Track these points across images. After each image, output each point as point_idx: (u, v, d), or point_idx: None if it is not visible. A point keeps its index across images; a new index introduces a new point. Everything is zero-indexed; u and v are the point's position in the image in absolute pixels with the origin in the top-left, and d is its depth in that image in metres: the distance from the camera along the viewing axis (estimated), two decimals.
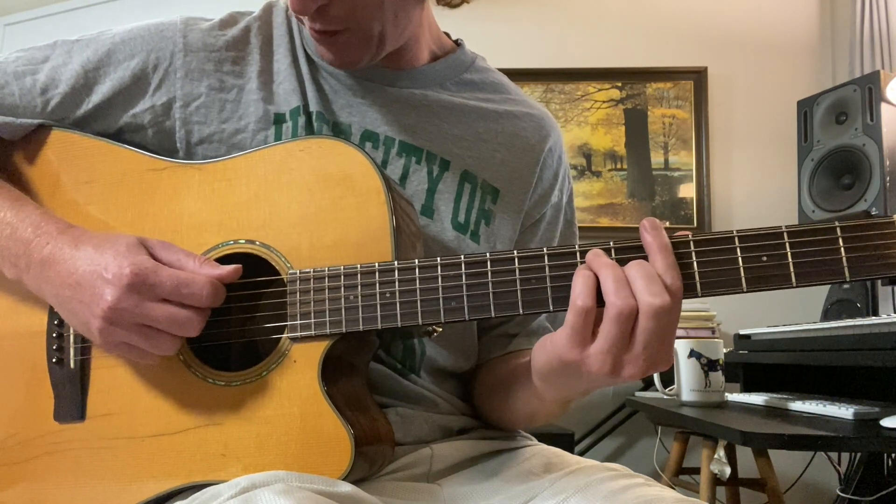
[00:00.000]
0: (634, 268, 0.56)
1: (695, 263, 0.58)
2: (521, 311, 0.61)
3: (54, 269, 0.66)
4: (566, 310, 0.59)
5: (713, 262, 0.57)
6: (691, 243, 0.58)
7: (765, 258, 0.57)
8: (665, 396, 1.72)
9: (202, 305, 0.63)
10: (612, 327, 0.55)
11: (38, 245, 0.67)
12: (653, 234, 0.57)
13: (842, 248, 0.56)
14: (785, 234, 0.57)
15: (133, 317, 0.62)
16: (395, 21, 0.73)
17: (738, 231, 0.57)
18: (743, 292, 0.57)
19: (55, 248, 0.66)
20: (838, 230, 0.56)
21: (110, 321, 0.62)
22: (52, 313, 0.72)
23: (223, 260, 0.69)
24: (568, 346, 0.57)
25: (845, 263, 0.56)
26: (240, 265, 0.66)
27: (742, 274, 0.57)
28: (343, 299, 0.64)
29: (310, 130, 0.78)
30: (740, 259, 0.57)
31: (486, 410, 0.82)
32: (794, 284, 0.56)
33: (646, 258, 0.57)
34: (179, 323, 0.63)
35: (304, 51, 0.82)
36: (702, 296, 0.58)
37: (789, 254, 0.56)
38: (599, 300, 0.56)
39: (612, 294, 0.55)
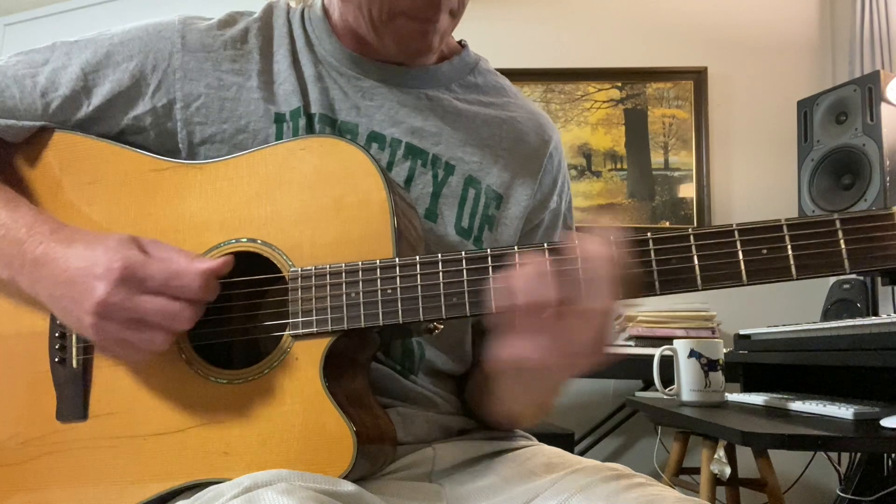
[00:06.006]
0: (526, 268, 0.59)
1: (695, 257, 0.58)
2: None
3: (47, 269, 0.66)
4: None
5: (713, 255, 0.58)
6: (692, 237, 0.58)
7: (765, 251, 0.57)
8: (665, 396, 1.71)
9: (193, 297, 0.63)
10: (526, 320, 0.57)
11: (32, 245, 0.67)
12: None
13: (841, 241, 0.56)
14: (784, 227, 0.57)
15: (124, 311, 0.62)
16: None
17: (737, 224, 0.58)
18: (744, 285, 0.58)
19: (48, 247, 0.66)
20: (837, 223, 0.56)
21: (102, 316, 0.62)
22: None
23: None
24: (502, 345, 0.60)
25: (845, 255, 0.56)
26: (230, 257, 0.65)
27: (742, 267, 0.57)
28: (345, 296, 0.65)
29: (310, 132, 0.78)
30: (740, 252, 0.57)
31: (473, 408, 0.83)
32: (795, 277, 0.57)
33: (645, 253, 0.59)
34: (171, 315, 0.62)
35: (309, 52, 0.82)
36: (702, 289, 0.58)
37: (789, 246, 0.57)
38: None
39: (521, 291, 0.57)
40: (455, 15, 0.78)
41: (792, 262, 0.57)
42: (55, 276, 0.65)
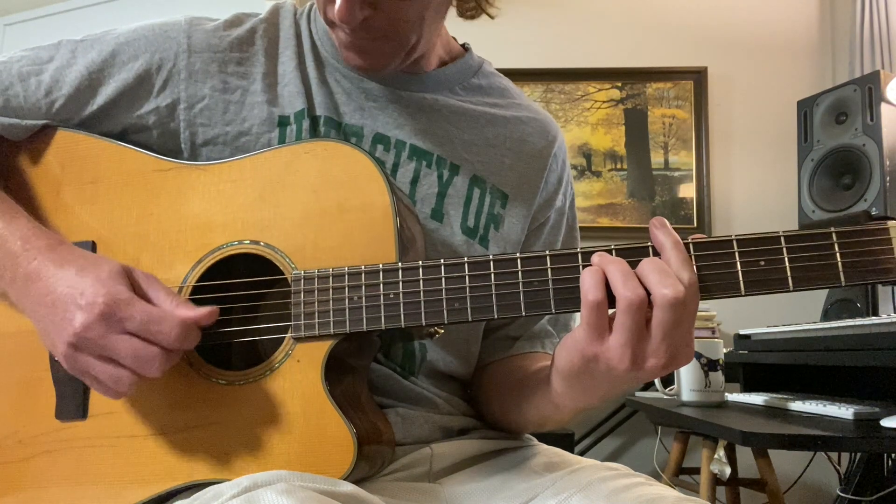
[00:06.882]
0: (647, 264, 0.57)
1: (694, 267, 0.58)
2: (523, 313, 0.61)
3: (35, 286, 0.65)
4: (568, 311, 0.60)
5: (712, 265, 0.58)
6: (691, 247, 0.59)
7: (763, 263, 0.58)
8: (665, 396, 1.72)
9: (169, 345, 0.61)
10: (625, 318, 0.56)
11: (26, 259, 0.66)
12: (663, 232, 0.59)
13: (837, 254, 0.57)
14: (782, 239, 0.58)
15: (97, 347, 0.61)
16: (428, 33, 0.75)
17: (736, 236, 0.59)
18: (742, 296, 0.58)
19: (41, 264, 0.65)
20: (834, 236, 0.57)
21: (75, 347, 0.61)
22: None
23: (227, 260, 0.70)
24: (587, 341, 0.58)
25: (841, 269, 0.57)
26: (217, 308, 0.64)
27: (741, 278, 0.58)
28: (347, 300, 0.65)
29: (314, 134, 0.78)
30: (739, 263, 0.58)
31: (494, 413, 0.82)
32: (792, 288, 0.58)
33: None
34: (142, 360, 0.61)
35: (314, 54, 0.82)
36: (701, 299, 0.58)
37: (786, 259, 0.58)
38: (612, 298, 0.57)
39: (621, 286, 0.56)
40: (392, 38, 0.72)
41: (789, 273, 0.58)
42: (41, 296, 0.64)
